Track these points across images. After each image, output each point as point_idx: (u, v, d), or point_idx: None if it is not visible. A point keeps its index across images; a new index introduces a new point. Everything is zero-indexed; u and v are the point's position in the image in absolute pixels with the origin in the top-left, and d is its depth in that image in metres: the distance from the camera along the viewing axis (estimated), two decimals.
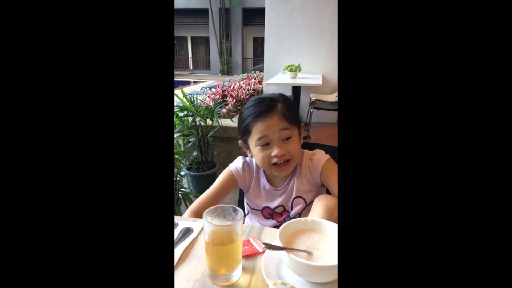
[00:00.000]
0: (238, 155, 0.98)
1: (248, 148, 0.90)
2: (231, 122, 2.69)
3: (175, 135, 2.14)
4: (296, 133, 0.86)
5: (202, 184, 2.36)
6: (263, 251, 0.62)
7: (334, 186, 0.85)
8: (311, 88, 3.83)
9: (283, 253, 0.54)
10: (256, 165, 0.92)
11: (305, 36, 4.16)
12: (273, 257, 0.59)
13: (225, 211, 0.60)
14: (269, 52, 4.36)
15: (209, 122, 2.40)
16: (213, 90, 3.73)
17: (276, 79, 3.67)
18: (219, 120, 2.42)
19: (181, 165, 2.24)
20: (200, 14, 13.78)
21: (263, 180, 0.93)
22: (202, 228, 0.71)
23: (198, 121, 2.37)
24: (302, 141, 0.91)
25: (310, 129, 3.68)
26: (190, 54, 16.10)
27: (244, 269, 0.59)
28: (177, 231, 0.70)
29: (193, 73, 14.93)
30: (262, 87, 4.27)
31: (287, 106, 0.85)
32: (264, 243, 0.56)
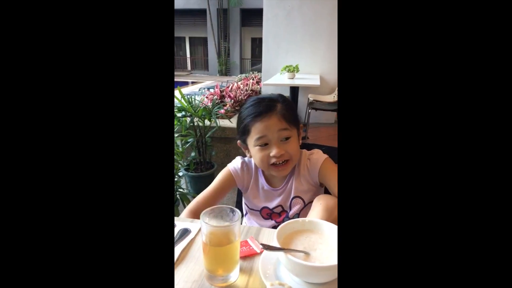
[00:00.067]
0: (236, 156, 0.97)
1: (247, 148, 0.90)
2: (229, 123, 2.69)
3: None
4: (295, 133, 0.86)
5: (200, 184, 2.35)
6: (261, 252, 0.62)
7: (333, 185, 0.85)
8: (309, 88, 3.84)
9: (280, 254, 0.54)
10: (255, 165, 0.92)
11: (303, 36, 4.16)
12: (270, 258, 0.59)
13: (223, 212, 0.59)
14: (267, 52, 4.36)
15: (207, 122, 2.40)
16: (211, 90, 3.73)
17: (274, 79, 3.68)
18: (217, 121, 2.42)
19: (179, 165, 2.23)
20: (198, 14, 13.77)
21: (262, 180, 0.93)
22: (200, 229, 0.71)
23: (196, 121, 2.36)
24: (301, 141, 0.91)
25: (308, 130, 3.68)
26: (188, 55, 16.09)
27: (241, 270, 0.59)
28: (174, 232, 0.70)
29: (191, 73, 14.92)
30: (260, 88, 4.27)
31: (286, 106, 0.85)
32: (261, 244, 0.56)
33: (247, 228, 0.73)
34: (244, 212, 0.99)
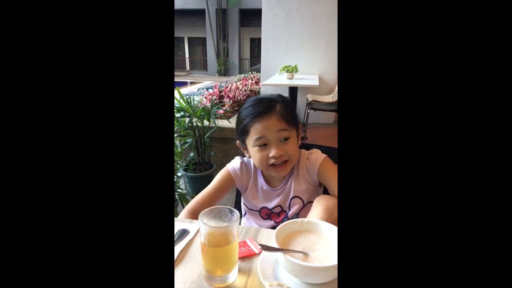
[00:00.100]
0: (235, 156, 0.97)
1: (246, 148, 0.90)
2: (228, 123, 2.68)
3: None
4: (294, 134, 0.86)
5: (199, 185, 2.35)
6: (259, 252, 0.62)
7: (332, 184, 0.85)
8: (308, 89, 3.84)
9: (279, 254, 0.54)
10: (254, 165, 0.92)
11: (301, 36, 4.17)
12: (269, 258, 0.59)
13: (221, 213, 0.59)
14: (266, 53, 4.36)
15: (206, 123, 2.40)
16: (210, 91, 3.73)
17: (273, 80, 3.68)
18: (216, 121, 2.42)
19: (178, 166, 2.23)
20: (197, 14, 13.77)
21: (261, 181, 0.93)
22: (198, 230, 0.71)
23: (195, 122, 2.36)
24: (300, 142, 0.91)
25: (307, 130, 3.69)
26: (187, 55, 16.08)
27: (240, 271, 0.59)
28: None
29: (190, 73, 14.92)
30: (259, 88, 4.27)
31: (285, 107, 0.85)
32: (260, 244, 0.56)
33: (245, 228, 0.73)
34: (243, 213, 0.99)
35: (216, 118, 2.46)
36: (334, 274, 0.52)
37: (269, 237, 0.69)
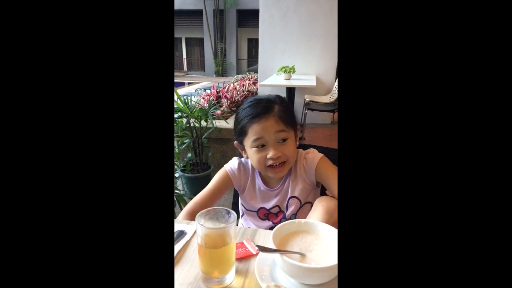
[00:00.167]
0: (233, 157, 0.97)
1: (243, 149, 0.89)
2: (226, 124, 2.68)
3: None
4: (292, 135, 0.86)
5: (196, 185, 2.35)
6: (257, 254, 0.62)
7: (330, 183, 0.85)
8: (305, 89, 3.84)
9: (276, 255, 0.53)
10: (252, 166, 0.92)
11: (299, 37, 4.17)
12: (266, 259, 0.59)
13: (218, 214, 0.59)
14: (263, 53, 4.37)
15: (203, 123, 2.39)
16: (208, 91, 3.72)
17: (271, 80, 3.67)
18: (214, 122, 2.41)
19: (176, 166, 2.22)
20: (195, 15, 13.77)
21: (259, 181, 0.93)
22: (195, 231, 0.71)
23: (193, 122, 2.35)
24: (298, 143, 0.91)
25: (304, 130, 3.69)
26: (184, 55, 16.07)
27: (237, 272, 0.59)
28: None
29: (188, 74, 14.90)
30: (257, 89, 4.27)
31: (284, 108, 0.85)
32: (257, 245, 0.56)
33: (243, 229, 0.73)
34: (241, 213, 0.99)
35: (214, 118, 2.46)
36: (331, 275, 0.52)
37: (267, 238, 0.69)
